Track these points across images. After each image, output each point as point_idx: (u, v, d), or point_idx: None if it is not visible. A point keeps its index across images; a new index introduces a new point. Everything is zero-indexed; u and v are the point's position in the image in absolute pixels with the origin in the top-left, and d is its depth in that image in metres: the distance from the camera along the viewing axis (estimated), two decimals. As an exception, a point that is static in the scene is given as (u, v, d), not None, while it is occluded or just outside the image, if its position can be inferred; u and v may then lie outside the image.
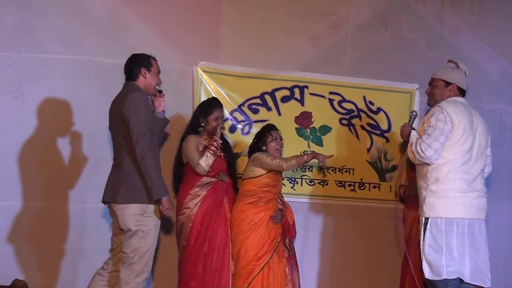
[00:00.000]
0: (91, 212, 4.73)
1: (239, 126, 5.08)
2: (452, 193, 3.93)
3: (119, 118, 3.98)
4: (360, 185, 5.22)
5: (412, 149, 4.04)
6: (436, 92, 4.19)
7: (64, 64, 4.75)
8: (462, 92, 4.19)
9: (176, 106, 4.91)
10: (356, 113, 5.28)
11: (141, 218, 3.95)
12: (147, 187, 3.91)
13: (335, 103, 5.25)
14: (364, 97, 5.29)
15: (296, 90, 5.18)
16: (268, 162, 4.50)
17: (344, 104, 5.27)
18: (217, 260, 4.43)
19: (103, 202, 4.13)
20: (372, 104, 5.31)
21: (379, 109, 5.31)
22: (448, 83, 4.16)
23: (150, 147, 3.90)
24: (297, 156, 4.53)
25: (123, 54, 4.77)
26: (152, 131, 3.99)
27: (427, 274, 3.95)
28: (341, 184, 5.21)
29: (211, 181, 4.50)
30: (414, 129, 4.23)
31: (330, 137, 5.21)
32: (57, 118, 4.72)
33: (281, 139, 4.72)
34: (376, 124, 5.31)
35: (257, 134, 4.79)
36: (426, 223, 3.95)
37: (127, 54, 4.77)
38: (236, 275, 4.47)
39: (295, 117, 5.18)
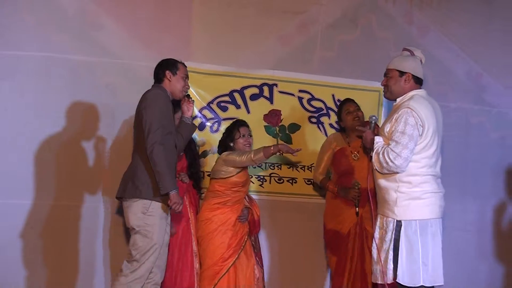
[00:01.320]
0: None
1: (208, 123, 5.12)
2: (425, 195, 3.85)
3: (137, 116, 4.09)
4: (308, 181, 5.26)
5: (379, 158, 3.88)
6: (391, 83, 4.02)
7: (35, 61, 4.75)
8: (419, 81, 4.02)
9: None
10: (325, 111, 5.32)
11: (144, 216, 3.99)
12: (154, 184, 3.95)
13: (304, 101, 5.29)
14: (333, 95, 5.32)
15: (265, 88, 5.22)
16: (238, 160, 4.49)
17: (313, 102, 5.31)
18: (178, 259, 4.46)
19: (116, 198, 4.21)
20: (341, 102, 5.36)
21: (348, 108, 5.36)
22: (402, 73, 3.98)
23: (161, 142, 3.93)
24: (264, 147, 4.50)
25: (93, 52, 4.89)
26: (168, 131, 4.04)
27: (403, 279, 3.80)
28: (309, 182, 5.25)
29: None
30: (377, 134, 4.09)
31: (299, 135, 5.26)
32: (26, 115, 4.72)
33: (250, 136, 4.72)
34: (344, 122, 5.35)
35: (226, 129, 4.80)
36: (399, 226, 3.84)
37: (98, 52, 4.89)
38: (202, 275, 4.49)
39: (264, 115, 5.21)
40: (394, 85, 4.02)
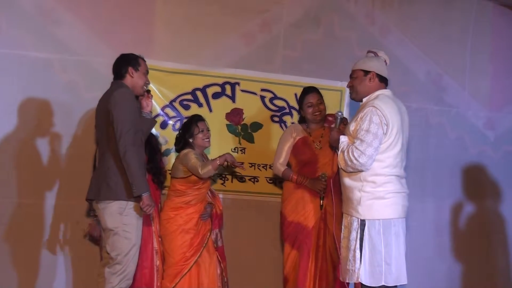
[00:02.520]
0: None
1: (171, 122, 5.07)
2: (388, 195, 3.86)
3: (103, 116, 3.99)
4: (270, 180, 5.27)
5: (344, 156, 3.89)
6: (356, 83, 4.04)
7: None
8: (383, 80, 4.04)
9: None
10: (287, 110, 5.33)
11: (121, 217, 3.95)
12: (127, 184, 3.90)
13: (267, 100, 5.29)
14: (295, 94, 5.29)
15: (228, 87, 5.19)
16: (191, 165, 4.42)
17: (276, 101, 5.31)
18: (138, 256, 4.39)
19: (87, 200, 4.14)
20: (303, 101, 5.37)
21: (310, 107, 5.37)
22: (366, 72, 4.00)
23: (134, 143, 3.88)
24: (212, 160, 4.48)
25: (52, 48, 4.81)
26: (137, 129, 3.99)
27: (365, 279, 3.82)
28: (272, 181, 5.26)
29: None
30: (340, 130, 4.12)
31: (261, 134, 5.25)
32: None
33: (208, 130, 4.68)
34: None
35: (183, 125, 4.74)
36: (362, 225, 3.85)
37: (57, 48, 4.80)
38: (164, 273, 4.45)
39: (226, 113, 5.19)
40: (359, 85, 4.04)
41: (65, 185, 4.77)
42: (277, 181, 5.25)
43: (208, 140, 4.66)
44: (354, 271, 3.85)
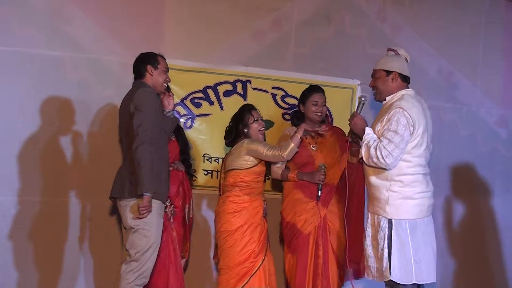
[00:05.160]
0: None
1: (182, 120, 5.05)
2: (416, 195, 3.91)
3: (126, 115, 4.03)
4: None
5: (369, 151, 3.91)
6: (379, 83, 4.07)
7: (1, 56, 4.64)
8: (406, 80, 4.07)
9: (117, 100, 4.82)
10: (298, 108, 5.32)
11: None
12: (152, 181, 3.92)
13: (278, 98, 5.28)
14: (306, 92, 5.33)
15: (239, 85, 5.19)
16: (264, 153, 4.35)
17: (287, 99, 5.30)
18: (164, 257, 4.39)
19: (111, 197, 4.16)
20: (315, 99, 5.35)
21: (321, 104, 5.36)
22: (389, 72, 4.03)
23: (150, 143, 3.90)
24: (291, 137, 4.41)
25: (63, 46, 4.79)
26: (161, 127, 4.04)
27: (395, 277, 3.85)
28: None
29: None
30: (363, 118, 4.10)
31: (272, 131, 5.22)
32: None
33: (262, 120, 4.62)
34: (318, 119, 5.35)
35: (234, 116, 4.67)
36: (390, 224, 3.88)
37: (67, 46, 4.80)
38: (227, 274, 4.31)
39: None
40: (382, 85, 4.06)
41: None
42: (288, 178, 5.24)
43: (263, 129, 4.58)
44: (385, 269, 3.88)
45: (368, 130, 4.00)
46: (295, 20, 5.35)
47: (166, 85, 4.27)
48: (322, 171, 4.54)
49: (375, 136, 3.98)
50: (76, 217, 4.77)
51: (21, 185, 4.64)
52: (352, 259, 4.27)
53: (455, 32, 5.76)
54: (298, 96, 5.26)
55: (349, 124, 4.17)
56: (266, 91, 5.25)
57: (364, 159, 3.98)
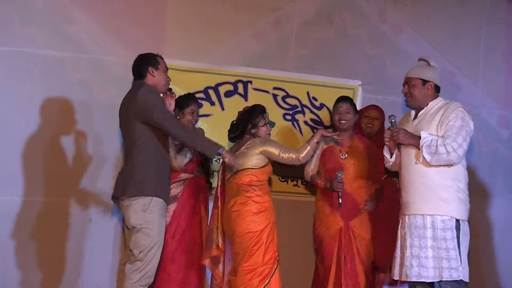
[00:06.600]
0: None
1: (183, 120, 5.06)
2: (468, 197, 4.07)
3: (129, 115, 4.04)
4: (303, 181, 5.22)
5: (438, 149, 3.88)
6: (414, 91, 4.13)
7: (2, 56, 4.65)
8: (438, 90, 4.19)
9: (118, 100, 4.82)
10: (299, 108, 5.32)
11: (144, 214, 3.97)
12: (153, 180, 3.98)
13: (279, 99, 5.28)
14: (307, 92, 5.32)
15: (240, 85, 5.19)
16: (280, 155, 4.36)
17: (288, 100, 5.30)
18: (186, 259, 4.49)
19: (114, 197, 4.16)
20: (316, 100, 5.35)
21: (322, 105, 5.36)
22: (425, 81, 4.14)
23: (179, 124, 4.10)
24: (307, 141, 4.46)
25: (64, 46, 4.80)
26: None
27: (464, 276, 3.92)
28: (284, 179, 5.24)
29: (188, 177, 4.58)
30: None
31: (273, 132, 5.10)
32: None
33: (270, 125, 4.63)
34: (319, 120, 5.35)
35: (244, 113, 4.64)
36: (458, 225, 3.93)
37: (68, 46, 4.80)
38: (248, 274, 4.24)
39: (239, 112, 5.14)
40: (418, 93, 4.15)
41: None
42: (289, 179, 5.26)
43: (270, 135, 4.59)
44: (454, 269, 3.87)
45: (424, 133, 4.00)
46: (296, 21, 5.35)
47: (168, 86, 4.27)
48: (339, 178, 4.56)
49: (435, 136, 3.99)
50: (77, 217, 4.76)
51: (22, 185, 4.65)
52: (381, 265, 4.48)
53: (456, 32, 5.75)
54: (299, 96, 5.32)
55: (390, 141, 4.17)
56: (267, 92, 5.25)
57: (426, 159, 3.94)
